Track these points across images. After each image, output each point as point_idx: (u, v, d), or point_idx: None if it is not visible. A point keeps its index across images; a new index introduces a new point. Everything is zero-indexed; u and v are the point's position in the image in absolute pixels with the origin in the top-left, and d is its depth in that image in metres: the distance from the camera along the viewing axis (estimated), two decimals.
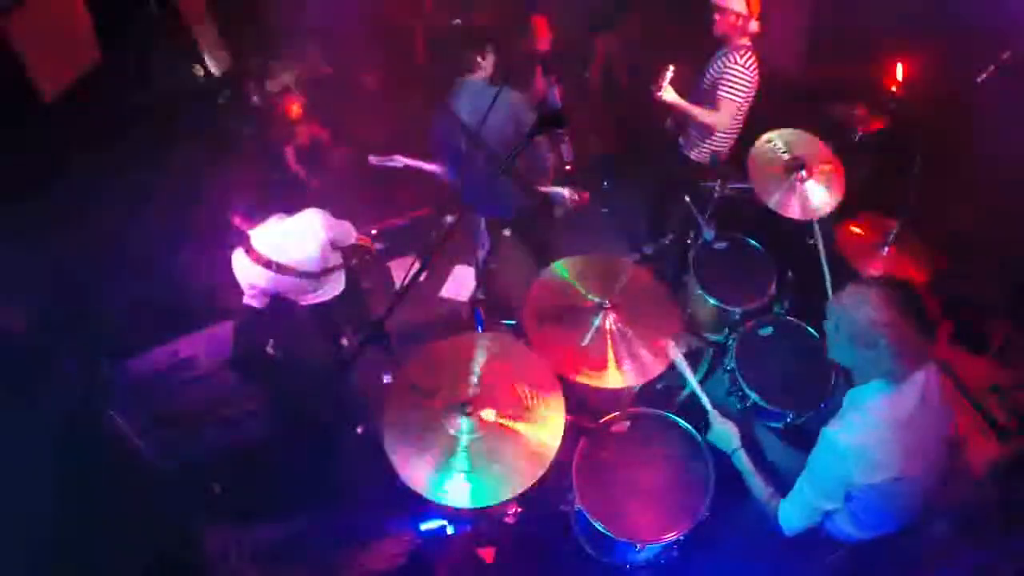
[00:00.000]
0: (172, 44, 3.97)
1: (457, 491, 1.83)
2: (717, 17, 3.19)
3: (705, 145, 3.54)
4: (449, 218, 4.23)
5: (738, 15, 3.15)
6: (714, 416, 2.27)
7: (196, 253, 3.81)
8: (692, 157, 3.63)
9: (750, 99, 3.33)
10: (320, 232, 2.81)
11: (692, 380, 2.34)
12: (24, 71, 2.83)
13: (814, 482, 1.93)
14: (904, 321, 1.75)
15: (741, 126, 3.47)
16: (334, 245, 2.95)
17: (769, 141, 3.08)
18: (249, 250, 2.73)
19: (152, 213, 3.61)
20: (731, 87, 3.23)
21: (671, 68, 3.19)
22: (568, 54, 5.04)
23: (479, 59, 3.09)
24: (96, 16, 3.24)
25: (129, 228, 3.40)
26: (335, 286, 3.12)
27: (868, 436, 1.81)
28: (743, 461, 2.15)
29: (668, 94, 3.22)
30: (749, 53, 3.20)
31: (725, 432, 2.23)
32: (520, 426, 1.93)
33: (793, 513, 2.00)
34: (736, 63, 3.18)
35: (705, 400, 2.32)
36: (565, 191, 3.56)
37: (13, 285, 2.73)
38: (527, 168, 3.27)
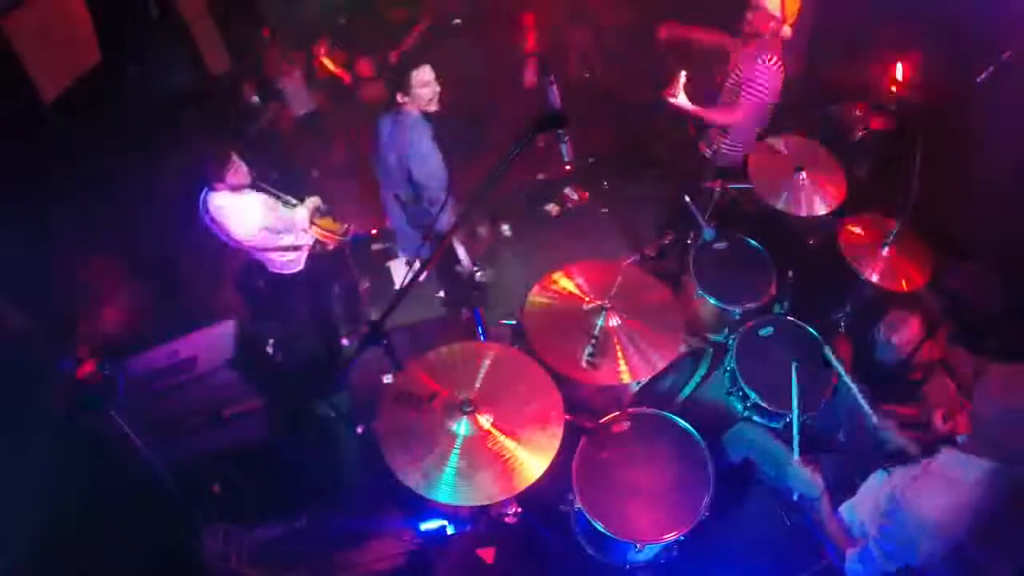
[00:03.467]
0: (172, 44, 3.97)
1: (444, 487, 1.85)
2: (750, 15, 3.18)
3: (724, 146, 3.53)
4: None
5: (772, 16, 3.14)
6: (796, 461, 2.27)
7: (197, 253, 3.82)
8: (709, 157, 3.63)
9: (773, 102, 3.32)
10: (257, 216, 3.05)
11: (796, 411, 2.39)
12: (24, 71, 2.82)
13: (885, 545, 1.88)
14: None
15: (762, 127, 3.47)
16: (273, 230, 3.14)
17: (769, 146, 3.10)
18: (203, 201, 3.02)
19: (152, 213, 3.61)
20: (756, 90, 3.22)
21: (684, 73, 3.18)
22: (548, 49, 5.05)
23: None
24: (96, 16, 3.24)
25: (129, 228, 3.40)
26: (289, 261, 3.32)
27: (948, 507, 1.77)
28: (824, 506, 2.16)
29: (680, 99, 3.23)
30: (776, 58, 3.19)
31: (807, 477, 2.23)
32: (509, 443, 1.94)
33: (861, 571, 1.98)
34: (765, 66, 3.17)
35: (796, 442, 2.31)
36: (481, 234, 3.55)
37: (13, 285, 2.73)
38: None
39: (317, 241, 3.36)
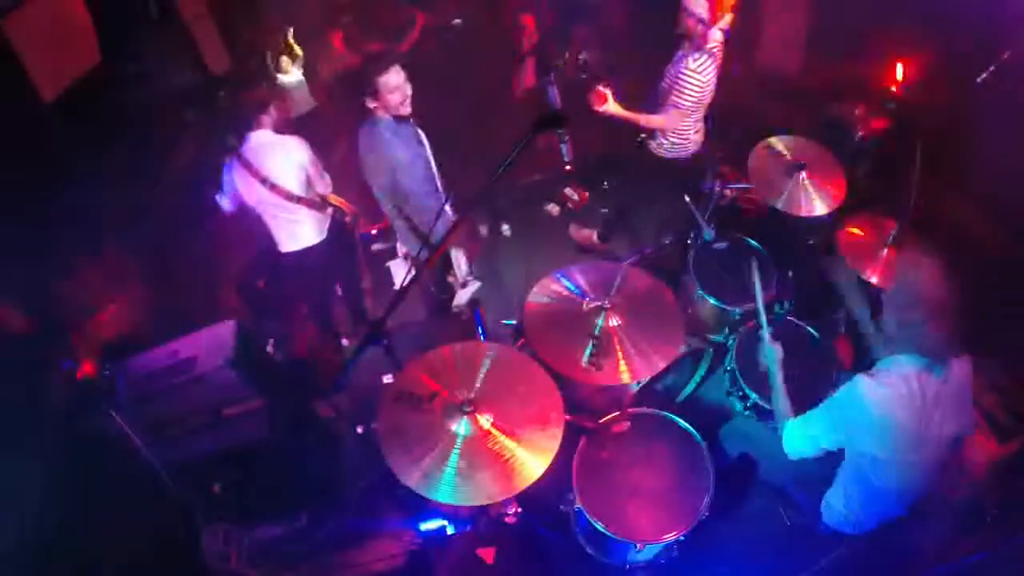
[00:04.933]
0: (172, 44, 3.97)
1: (444, 487, 1.84)
2: (682, 15, 3.19)
3: (668, 142, 3.55)
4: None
5: (698, 20, 3.14)
6: (768, 333, 2.44)
7: (197, 253, 3.82)
8: (662, 155, 3.63)
9: (703, 100, 3.33)
10: (300, 155, 3.07)
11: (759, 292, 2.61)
12: (24, 72, 2.82)
13: (826, 415, 2.00)
14: (948, 300, 1.77)
15: (701, 115, 3.49)
16: (310, 179, 3.15)
17: (769, 146, 3.10)
18: (237, 147, 3.01)
19: (152, 213, 3.61)
20: (681, 93, 3.25)
21: (606, 85, 3.26)
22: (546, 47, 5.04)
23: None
24: (96, 16, 3.24)
25: (129, 228, 3.40)
26: (312, 229, 3.26)
27: (895, 403, 1.84)
28: (777, 377, 2.29)
29: (610, 106, 3.25)
30: (705, 58, 3.18)
31: (773, 350, 2.37)
32: (509, 443, 1.94)
33: (795, 436, 2.09)
34: (688, 68, 3.18)
35: (763, 316, 2.52)
36: (463, 264, 3.56)
37: (13, 285, 2.73)
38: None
39: (337, 209, 3.37)
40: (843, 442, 1.98)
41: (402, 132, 2.99)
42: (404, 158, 2.94)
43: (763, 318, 2.51)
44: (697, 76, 3.20)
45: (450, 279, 3.60)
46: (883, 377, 1.87)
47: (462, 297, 3.62)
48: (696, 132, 3.56)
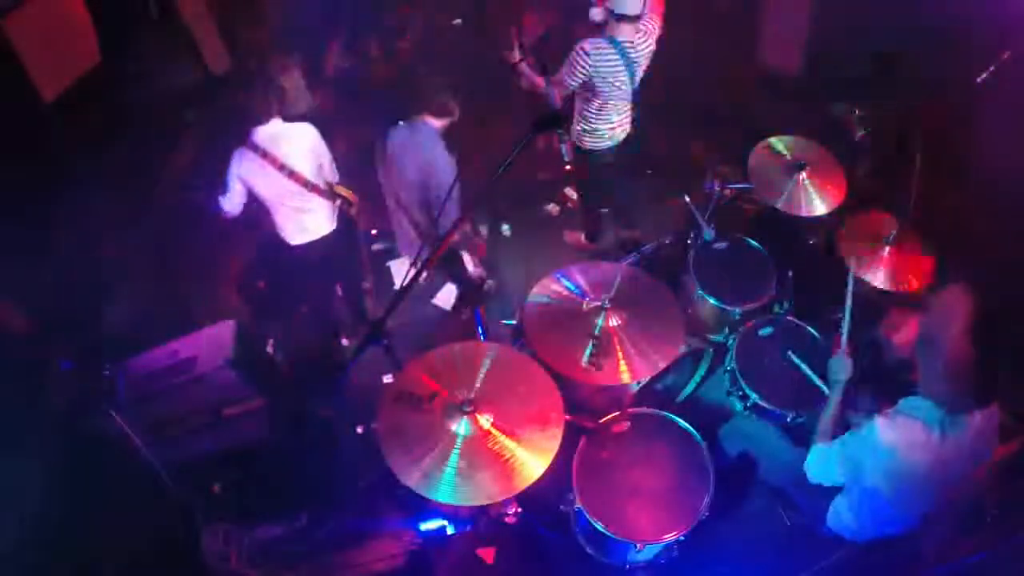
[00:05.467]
0: (172, 44, 3.98)
1: (444, 487, 1.85)
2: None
3: (579, 129, 3.48)
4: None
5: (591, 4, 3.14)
6: (844, 349, 2.38)
7: (197, 253, 3.82)
8: (580, 145, 3.57)
9: (597, 89, 3.20)
10: (313, 140, 3.06)
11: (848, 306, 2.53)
12: (24, 72, 2.83)
13: (841, 450, 2.00)
14: (969, 360, 1.72)
15: (614, 111, 3.38)
16: (322, 166, 3.14)
17: (769, 146, 3.10)
18: (246, 141, 2.94)
19: (152, 213, 3.62)
20: (566, 66, 3.16)
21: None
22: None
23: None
24: (96, 16, 3.24)
25: (129, 228, 3.41)
26: (323, 218, 3.23)
27: (908, 449, 1.83)
28: (837, 394, 2.26)
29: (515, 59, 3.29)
30: (604, 46, 3.06)
31: (844, 365, 2.31)
32: (509, 443, 1.94)
33: (816, 460, 2.10)
34: (579, 46, 3.07)
35: (845, 328, 2.45)
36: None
37: (13, 285, 2.73)
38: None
39: (344, 200, 3.35)
40: (855, 477, 1.98)
41: (440, 137, 3.12)
42: (442, 161, 3.07)
43: (846, 328, 2.45)
44: (583, 58, 3.05)
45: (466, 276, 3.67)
46: (899, 419, 1.86)
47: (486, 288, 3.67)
48: (611, 127, 3.41)
